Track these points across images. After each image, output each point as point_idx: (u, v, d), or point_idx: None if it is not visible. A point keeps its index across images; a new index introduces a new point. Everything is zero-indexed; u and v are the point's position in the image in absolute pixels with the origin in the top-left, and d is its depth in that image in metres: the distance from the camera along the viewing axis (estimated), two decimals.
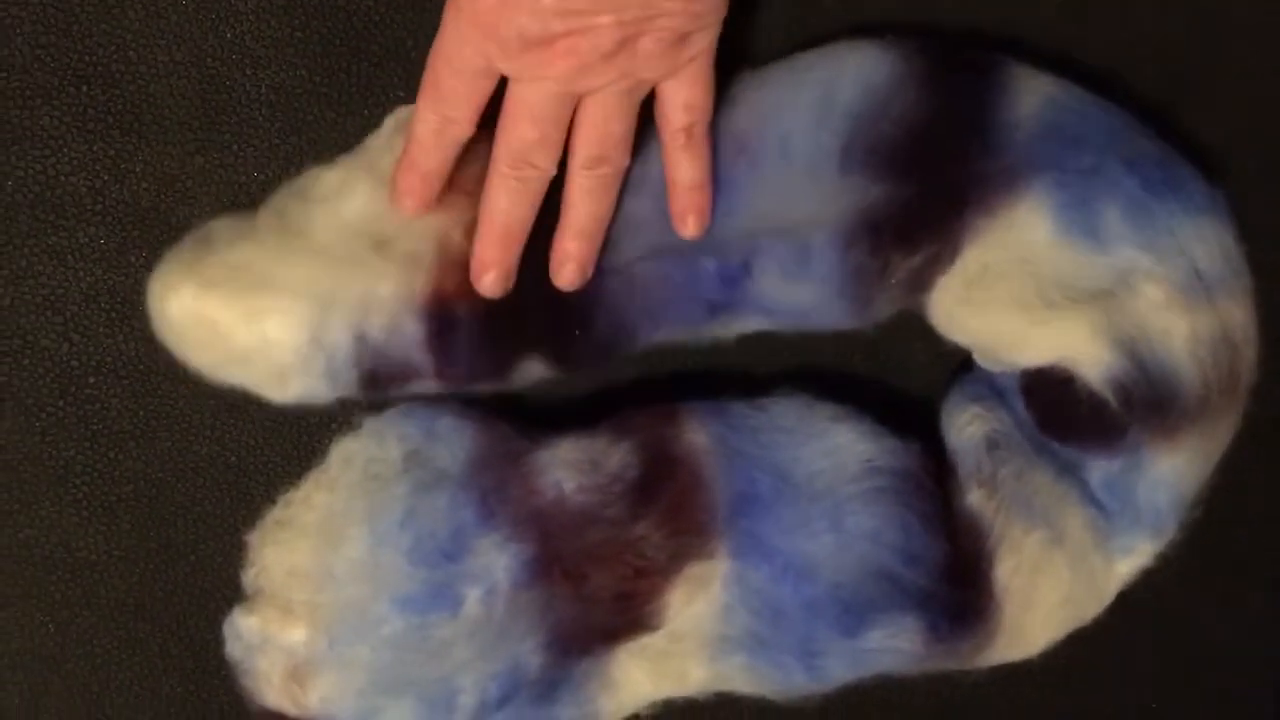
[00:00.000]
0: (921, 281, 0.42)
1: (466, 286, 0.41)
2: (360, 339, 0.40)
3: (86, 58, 0.42)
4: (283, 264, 0.40)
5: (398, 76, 0.43)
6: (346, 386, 0.41)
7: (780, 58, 0.42)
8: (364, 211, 0.41)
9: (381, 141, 0.42)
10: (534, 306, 0.41)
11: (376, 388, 0.41)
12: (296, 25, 0.42)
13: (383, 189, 0.41)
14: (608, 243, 0.41)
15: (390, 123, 0.42)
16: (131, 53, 0.42)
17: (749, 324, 0.43)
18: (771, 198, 0.41)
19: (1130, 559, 0.43)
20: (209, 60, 0.42)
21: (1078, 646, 0.44)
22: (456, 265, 0.41)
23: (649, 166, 0.41)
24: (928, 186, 0.41)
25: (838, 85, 0.41)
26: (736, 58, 0.43)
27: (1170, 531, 0.43)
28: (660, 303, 0.42)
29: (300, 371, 0.40)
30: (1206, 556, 0.47)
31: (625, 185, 0.41)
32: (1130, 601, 0.44)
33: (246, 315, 0.39)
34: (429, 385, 0.42)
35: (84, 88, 0.42)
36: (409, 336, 0.40)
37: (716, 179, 0.41)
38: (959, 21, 0.45)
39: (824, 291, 0.41)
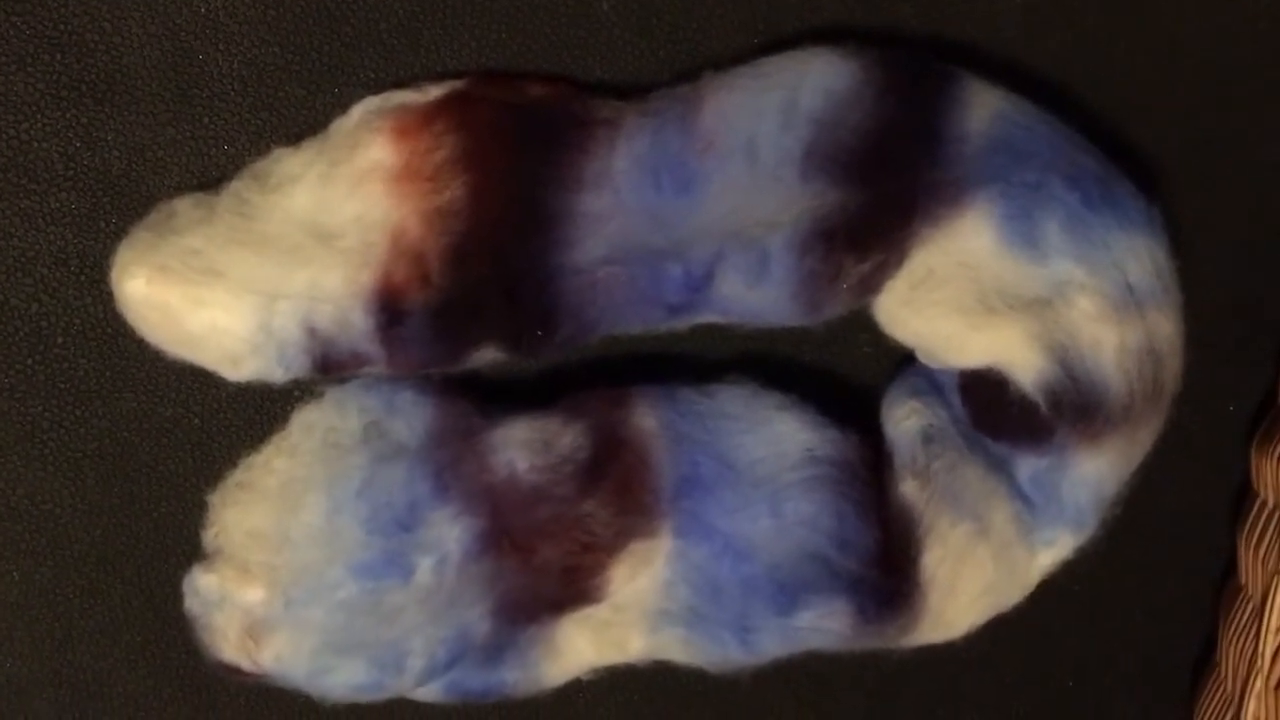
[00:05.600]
0: (870, 285, 0.43)
1: (420, 279, 0.40)
2: (309, 330, 0.40)
3: (61, 26, 0.42)
4: (233, 252, 0.40)
5: (369, 58, 0.44)
6: (300, 371, 0.41)
7: (744, 60, 0.43)
8: (316, 202, 0.40)
9: (345, 130, 0.41)
10: (492, 302, 0.41)
11: (329, 372, 0.42)
12: (270, 2, 0.43)
13: (338, 180, 0.40)
14: (569, 241, 0.41)
15: (357, 112, 0.41)
16: (105, 23, 0.42)
17: (703, 320, 0.44)
18: (735, 197, 0.41)
19: (1052, 551, 0.45)
20: (182, 33, 0.43)
21: (1001, 630, 0.46)
22: (410, 256, 0.40)
23: (612, 161, 0.41)
24: (881, 194, 0.41)
25: (801, 91, 0.41)
26: (700, 59, 0.44)
27: (1091, 527, 0.45)
28: (622, 304, 0.42)
29: (251, 356, 0.41)
30: (1124, 550, 0.49)
31: (584, 182, 0.41)
32: (1051, 589, 0.46)
33: (196, 303, 0.40)
34: (382, 371, 0.42)
35: (58, 56, 0.43)
36: (358, 328, 0.41)
37: (683, 174, 0.41)
38: (918, 26, 0.46)
39: (779, 295, 0.42)
